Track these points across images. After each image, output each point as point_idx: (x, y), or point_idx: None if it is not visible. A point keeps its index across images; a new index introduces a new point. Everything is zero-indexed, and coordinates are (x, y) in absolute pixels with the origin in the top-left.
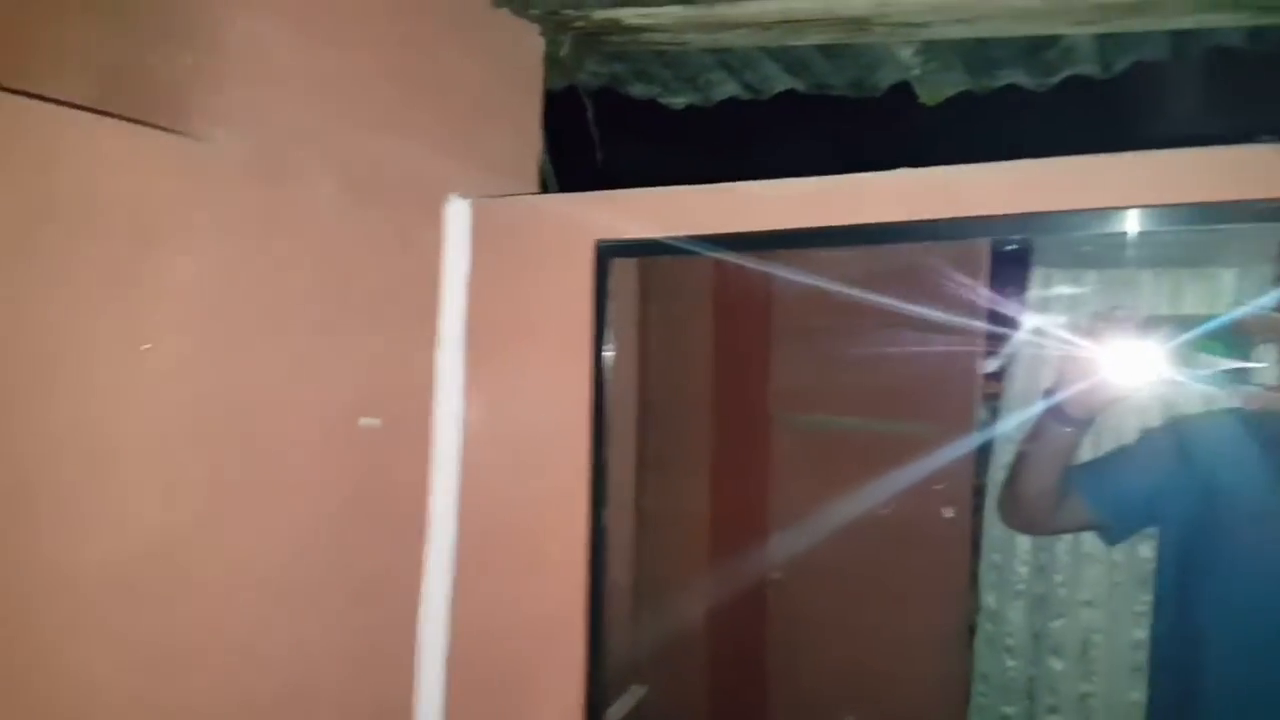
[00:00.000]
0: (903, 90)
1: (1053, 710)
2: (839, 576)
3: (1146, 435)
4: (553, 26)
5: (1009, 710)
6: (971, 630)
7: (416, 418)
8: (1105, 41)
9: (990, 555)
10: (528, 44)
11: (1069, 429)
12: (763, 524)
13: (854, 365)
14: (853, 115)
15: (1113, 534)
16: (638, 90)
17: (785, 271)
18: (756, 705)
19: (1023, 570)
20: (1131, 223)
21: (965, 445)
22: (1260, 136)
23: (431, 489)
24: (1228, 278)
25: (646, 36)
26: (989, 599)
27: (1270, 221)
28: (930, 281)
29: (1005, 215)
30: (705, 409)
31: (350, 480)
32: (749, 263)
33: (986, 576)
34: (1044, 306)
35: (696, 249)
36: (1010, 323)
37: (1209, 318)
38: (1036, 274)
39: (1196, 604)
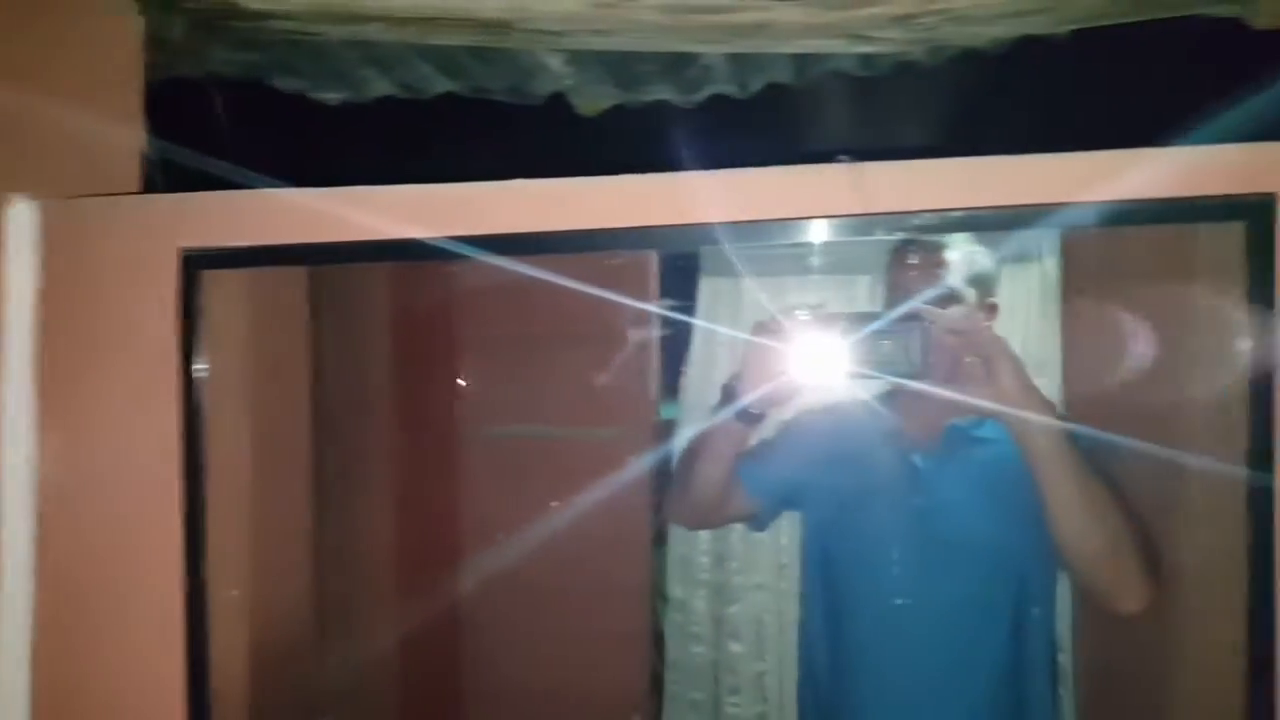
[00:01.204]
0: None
1: (734, 691)
2: (534, 588)
3: (795, 421)
4: (157, 6)
5: (698, 695)
6: (658, 623)
7: None
8: (737, 62)
9: (676, 549)
10: (122, 25)
11: (743, 423)
12: (454, 541)
13: (540, 375)
14: (532, 123)
15: (761, 520)
16: (283, 84)
17: (467, 281)
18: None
19: (704, 560)
20: (716, 235)
21: (650, 447)
22: (838, 156)
23: None
24: (863, 283)
25: (275, 24)
26: (676, 591)
27: (855, 237)
28: (607, 288)
29: (624, 228)
30: (388, 427)
31: None
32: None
33: (673, 570)
34: (713, 311)
35: (298, 259)
36: (685, 326)
37: (879, 316)
38: (704, 282)
39: (836, 583)
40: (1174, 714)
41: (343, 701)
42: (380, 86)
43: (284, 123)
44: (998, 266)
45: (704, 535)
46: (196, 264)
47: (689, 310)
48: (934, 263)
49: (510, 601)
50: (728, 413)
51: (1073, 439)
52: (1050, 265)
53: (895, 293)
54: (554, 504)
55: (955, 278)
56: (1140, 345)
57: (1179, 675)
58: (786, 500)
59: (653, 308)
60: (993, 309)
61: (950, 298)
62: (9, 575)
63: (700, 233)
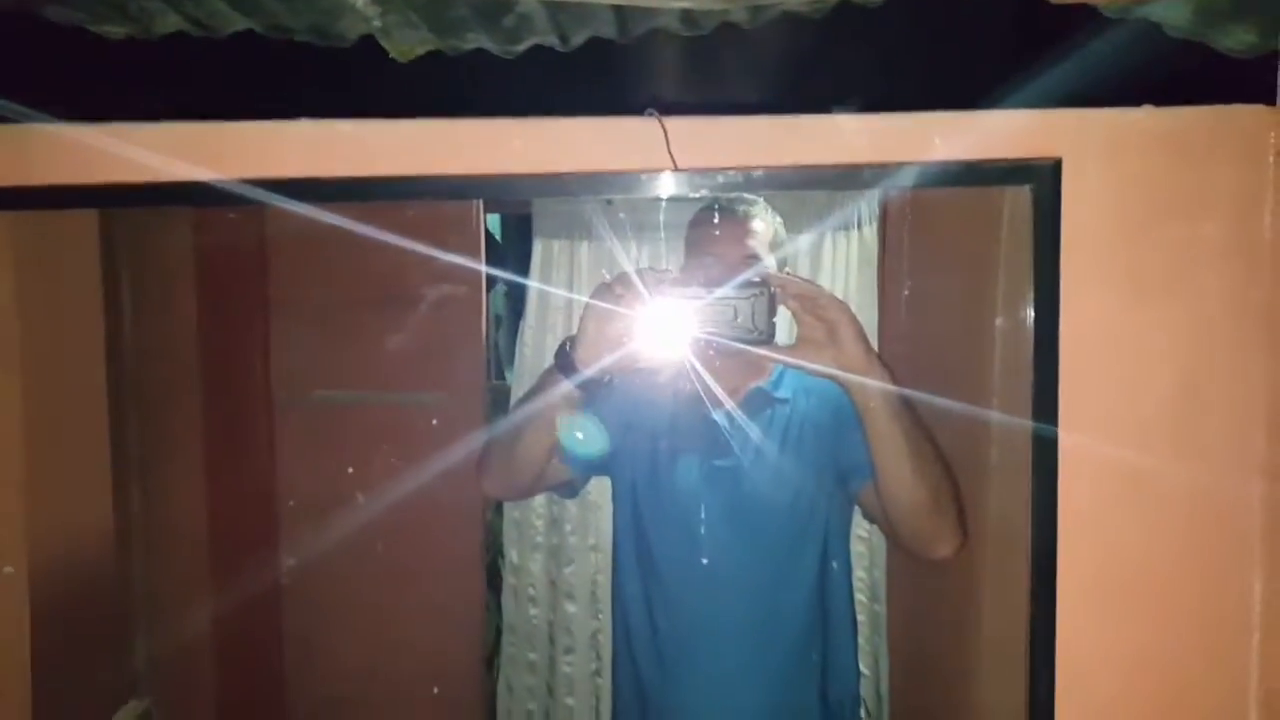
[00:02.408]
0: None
1: (569, 650)
2: (358, 558)
3: (608, 387)
4: None
5: (533, 656)
6: (498, 587)
7: None
8: (557, 13)
9: (511, 513)
10: None
11: (576, 388)
12: (271, 513)
13: (360, 337)
14: (344, 68)
15: (572, 487)
16: (56, 15)
17: (282, 232)
18: (274, 697)
19: (539, 524)
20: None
21: (481, 412)
22: (647, 110)
23: None
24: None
25: None
26: (512, 554)
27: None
28: (429, 241)
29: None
30: (195, 394)
31: None
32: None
33: (509, 533)
34: (547, 273)
35: (78, 202)
36: (515, 286)
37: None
38: (538, 243)
39: (646, 545)
40: (976, 653)
41: (158, 682)
42: (170, 21)
43: (62, 59)
44: (789, 235)
45: (539, 500)
46: None
47: (524, 272)
48: (735, 227)
49: (337, 574)
50: (558, 373)
51: (906, 401)
52: (869, 233)
53: (694, 255)
54: (382, 472)
55: (759, 245)
56: (947, 307)
57: (980, 617)
58: (597, 467)
59: (479, 266)
60: (786, 273)
61: (754, 265)
62: None
63: (512, 183)
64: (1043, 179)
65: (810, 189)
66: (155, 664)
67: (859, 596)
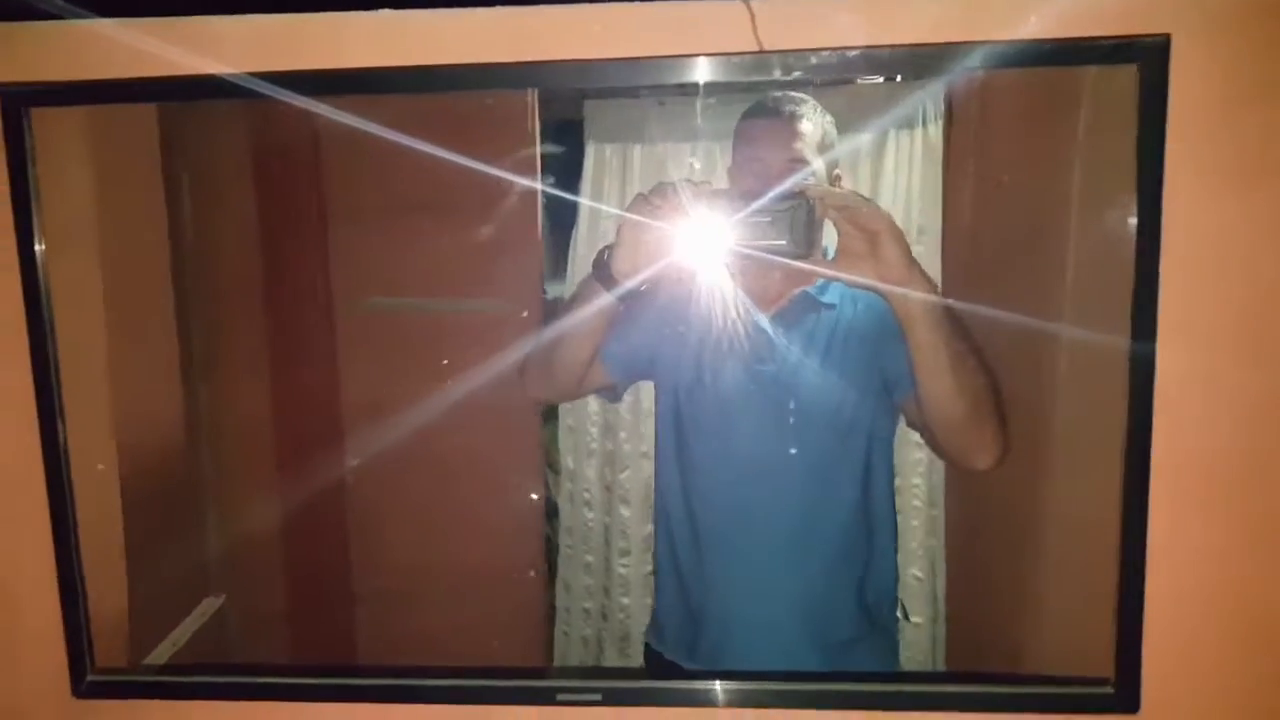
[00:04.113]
0: None
1: (624, 553)
2: (420, 461)
3: (650, 294)
4: None
5: (590, 558)
6: (555, 492)
7: None
8: None
9: (565, 420)
10: None
11: (614, 294)
12: (335, 416)
13: (418, 242)
14: None
15: (616, 392)
16: None
17: (329, 138)
18: (342, 598)
19: (594, 431)
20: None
21: (537, 319)
22: None
23: None
24: None
25: None
26: (567, 460)
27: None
28: (484, 147)
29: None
30: (258, 296)
31: None
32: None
33: (564, 440)
34: (599, 179)
35: (136, 96)
36: (570, 192)
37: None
38: (590, 149)
39: (690, 450)
40: (1035, 558)
41: (229, 578)
42: None
43: None
44: (847, 135)
45: (592, 408)
46: (23, 100)
47: (576, 179)
48: (781, 128)
49: (400, 474)
50: (597, 282)
51: (949, 309)
52: (934, 131)
53: (740, 159)
54: (441, 375)
55: (806, 148)
56: (1016, 206)
57: (1041, 524)
58: (640, 372)
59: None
60: (838, 179)
61: (802, 168)
62: None
63: (584, 70)
64: (1150, 58)
65: (903, 72)
66: (227, 562)
67: (914, 502)
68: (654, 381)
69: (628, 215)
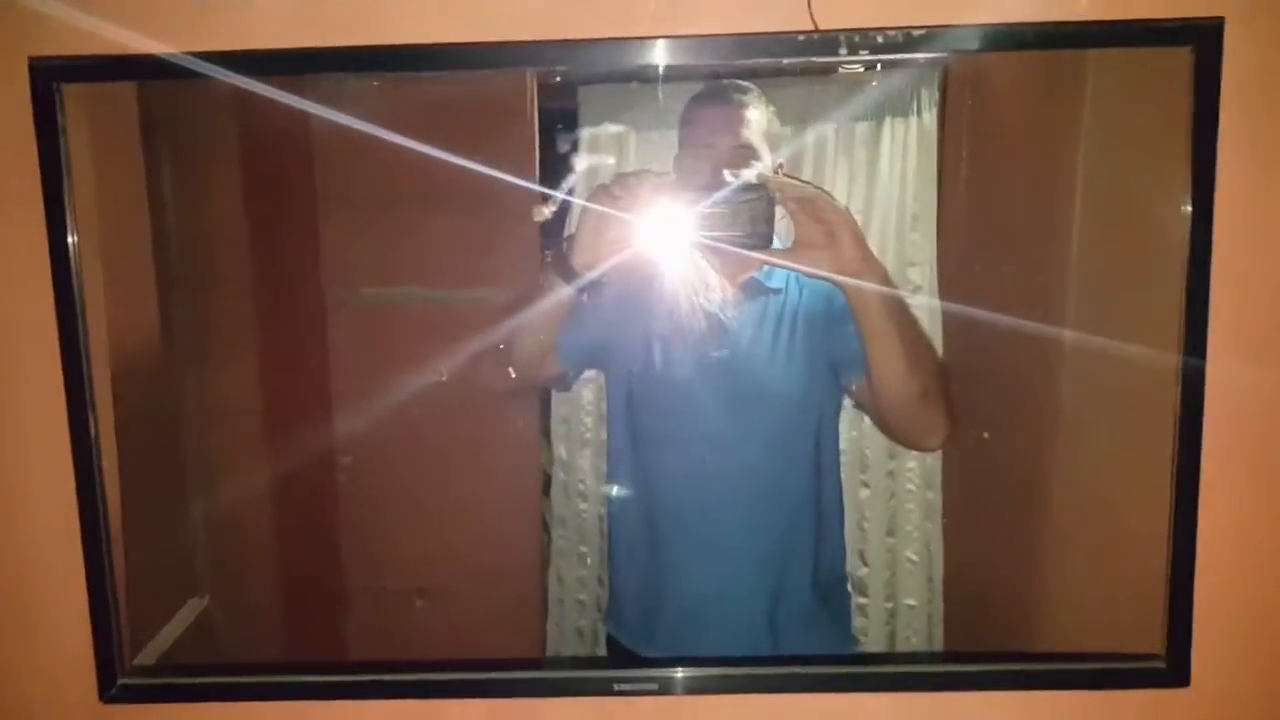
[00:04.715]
0: None
1: None
2: (412, 455)
3: (604, 281)
4: None
5: (584, 549)
6: (547, 482)
7: None
8: None
9: (559, 410)
10: None
11: (573, 285)
12: (326, 409)
13: (413, 230)
14: None
15: (566, 382)
16: None
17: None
18: (334, 596)
19: (588, 420)
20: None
21: (528, 308)
22: None
23: None
24: None
25: None
26: (560, 450)
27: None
28: (478, 135)
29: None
30: (246, 285)
31: None
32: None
33: (557, 430)
34: (591, 166)
35: (171, 71)
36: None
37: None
38: (584, 133)
39: (641, 436)
40: (1040, 540)
41: (217, 579)
42: None
43: None
44: (785, 127)
45: (586, 397)
46: (54, 75)
47: (572, 161)
48: (728, 114)
49: (391, 469)
50: (555, 272)
51: (901, 300)
52: (928, 119)
53: (686, 145)
54: (435, 366)
55: (753, 135)
56: (1014, 194)
57: (1046, 504)
58: (591, 360)
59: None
60: (780, 169)
61: (750, 156)
62: None
63: (645, 47)
64: (1204, 40)
65: (957, 51)
66: (214, 561)
67: (909, 486)
68: (604, 370)
69: (587, 206)
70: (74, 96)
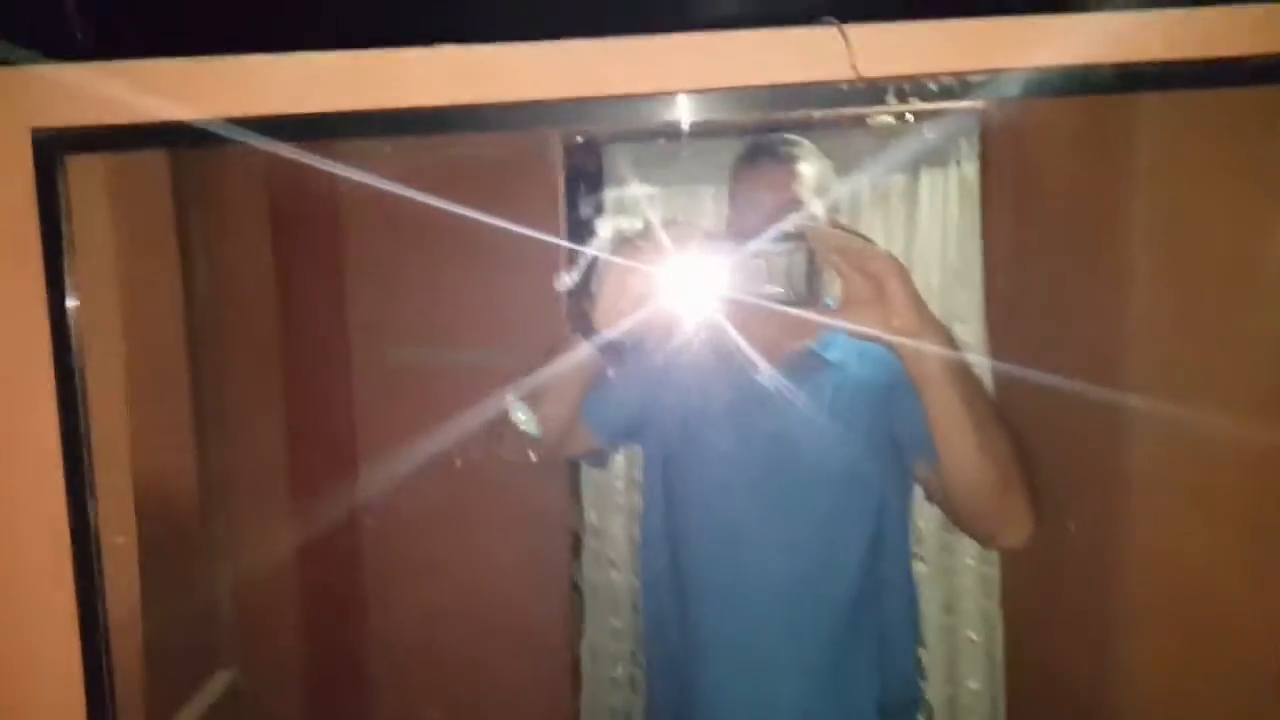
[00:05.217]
0: None
1: None
2: (438, 517)
3: (638, 348)
4: None
5: (617, 623)
6: (577, 548)
7: None
8: None
9: (590, 474)
10: None
11: (600, 353)
12: (352, 470)
13: (437, 290)
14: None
15: (601, 457)
16: None
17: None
18: (359, 660)
19: (619, 484)
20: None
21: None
22: (824, 17)
23: None
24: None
25: None
26: (591, 515)
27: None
28: (503, 196)
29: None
30: (274, 346)
31: None
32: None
33: (588, 495)
34: (616, 220)
35: (181, 138)
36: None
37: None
38: (610, 192)
39: (682, 519)
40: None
41: (243, 649)
42: None
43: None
44: (841, 181)
45: (618, 461)
46: (54, 146)
47: (595, 222)
48: (778, 170)
49: (414, 532)
50: (577, 332)
51: (968, 366)
52: (969, 170)
53: (735, 204)
54: (460, 428)
55: (805, 190)
56: (1066, 247)
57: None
58: (628, 433)
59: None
60: (833, 221)
61: (803, 212)
62: None
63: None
64: None
65: (1023, 96)
66: (239, 631)
67: (966, 560)
68: (642, 445)
69: (609, 259)
70: (98, 167)
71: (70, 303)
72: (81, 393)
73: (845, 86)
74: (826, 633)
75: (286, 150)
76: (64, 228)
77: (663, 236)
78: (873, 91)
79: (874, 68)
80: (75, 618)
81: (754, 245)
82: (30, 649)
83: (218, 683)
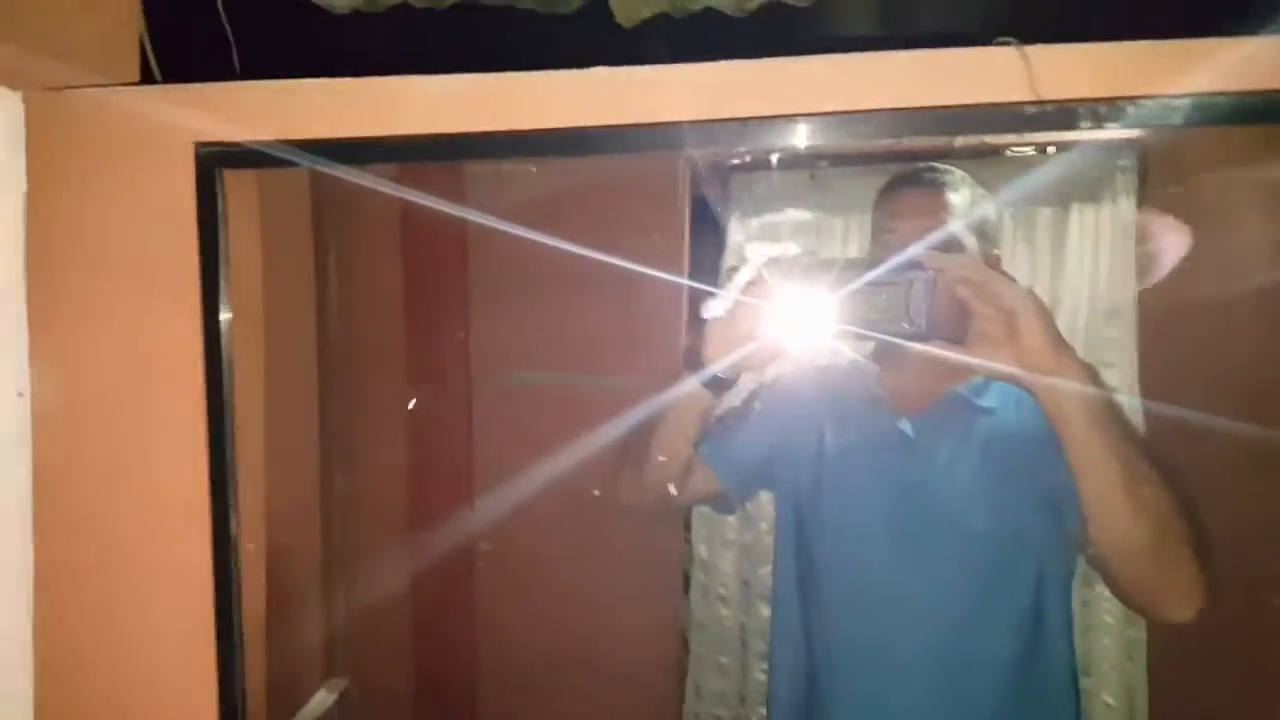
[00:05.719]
0: (600, 9)
1: (764, 657)
2: (551, 542)
3: (765, 388)
4: None
5: (725, 660)
6: (686, 582)
7: None
8: None
9: (699, 507)
10: None
11: (710, 390)
12: (468, 493)
13: (559, 315)
14: (543, 33)
15: (729, 503)
16: None
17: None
18: (468, 680)
19: (731, 520)
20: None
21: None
22: (999, 39)
23: None
24: None
25: None
26: (701, 550)
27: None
28: (631, 223)
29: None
30: (399, 367)
31: None
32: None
33: (698, 528)
34: (740, 250)
35: (333, 159)
36: (711, 267)
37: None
38: (734, 220)
39: (815, 574)
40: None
41: (355, 660)
42: None
43: (289, 30)
44: (1000, 212)
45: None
46: (215, 161)
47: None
48: (922, 199)
49: (529, 559)
50: (691, 378)
51: (1116, 409)
52: (1125, 206)
53: (883, 239)
54: (576, 454)
55: (956, 223)
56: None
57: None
58: (757, 479)
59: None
60: (996, 261)
61: (952, 246)
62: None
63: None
64: None
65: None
66: (354, 641)
67: (1106, 618)
68: (774, 490)
69: (718, 292)
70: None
71: (224, 315)
72: (230, 402)
73: (1032, 110)
74: (972, 706)
75: (422, 170)
76: (221, 240)
77: (774, 269)
78: (1065, 114)
79: (1049, 90)
80: (213, 622)
81: (869, 275)
82: (166, 653)
83: (331, 689)
